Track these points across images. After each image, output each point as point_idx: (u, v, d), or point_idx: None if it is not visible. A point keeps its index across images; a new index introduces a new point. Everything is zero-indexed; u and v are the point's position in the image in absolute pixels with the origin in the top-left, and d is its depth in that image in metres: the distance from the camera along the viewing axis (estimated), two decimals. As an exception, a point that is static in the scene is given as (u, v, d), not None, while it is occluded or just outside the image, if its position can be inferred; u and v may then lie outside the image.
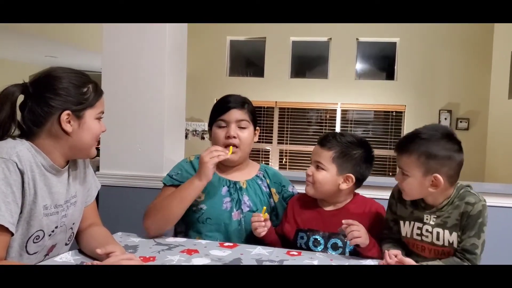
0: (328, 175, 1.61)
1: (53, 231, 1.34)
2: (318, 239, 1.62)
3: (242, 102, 1.78)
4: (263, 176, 1.85)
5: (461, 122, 6.86)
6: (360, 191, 2.39)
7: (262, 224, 1.59)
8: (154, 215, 1.68)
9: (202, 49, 7.11)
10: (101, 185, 2.40)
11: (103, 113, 1.40)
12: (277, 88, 7.46)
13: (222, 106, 1.77)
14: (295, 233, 1.67)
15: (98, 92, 1.37)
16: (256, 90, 7.49)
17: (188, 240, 1.67)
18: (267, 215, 1.61)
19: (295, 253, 1.53)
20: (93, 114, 1.35)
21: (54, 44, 5.72)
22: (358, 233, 1.47)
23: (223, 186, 1.77)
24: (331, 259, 1.49)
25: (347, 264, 1.44)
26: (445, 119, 6.91)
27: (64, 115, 1.28)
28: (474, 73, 6.80)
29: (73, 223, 1.45)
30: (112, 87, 2.41)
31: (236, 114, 1.75)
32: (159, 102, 2.38)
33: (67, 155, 1.36)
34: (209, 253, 1.50)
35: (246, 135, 1.76)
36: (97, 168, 2.45)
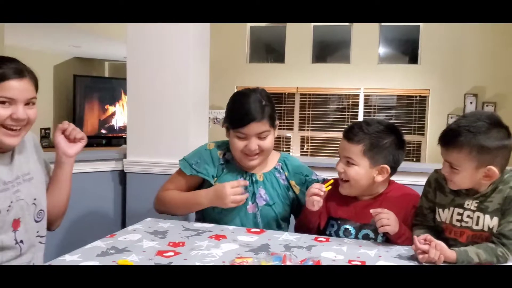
0: (362, 170, 1.56)
1: (9, 206, 1.36)
2: (349, 229, 1.61)
3: (261, 111, 1.68)
4: (282, 169, 1.82)
5: (487, 106, 6.72)
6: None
7: (320, 194, 1.54)
8: (162, 205, 1.81)
9: (222, 37, 7.08)
10: (128, 172, 2.45)
11: (10, 99, 1.33)
12: (298, 74, 7.41)
13: (241, 119, 1.68)
14: (327, 220, 1.66)
15: (6, 77, 1.31)
16: (277, 76, 7.46)
17: (216, 225, 1.69)
18: (329, 188, 1.58)
19: (323, 239, 1.53)
20: None
21: (78, 33, 5.78)
22: (387, 221, 1.45)
23: (239, 177, 1.77)
24: (360, 245, 1.49)
25: (375, 251, 1.44)
26: (471, 103, 6.77)
27: None
28: (500, 55, 6.63)
29: (35, 199, 1.47)
30: (137, 76, 2.44)
31: (256, 127, 1.67)
32: (184, 90, 2.39)
33: None
34: (237, 238, 1.51)
35: (268, 142, 1.72)
36: (124, 156, 2.48)
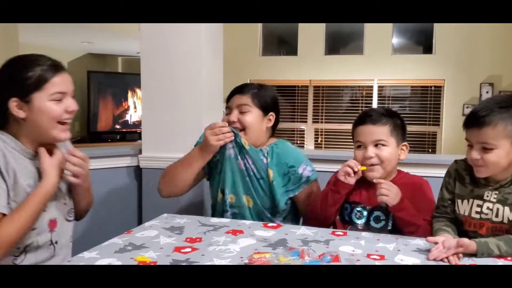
0: (392, 150, 1.61)
1: (46, 206, 1.38)
2: (361, 211, 1.64)
3: (247, 88, 1.82)
4: (267, 153, 1.82)
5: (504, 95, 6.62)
6: (403, 170, 2.36)
7: (355, 169, 1.59)
8: (163, 177, 1.88)
9: (234, 30, 7.05)
10: (144, 168, 2.46)
11: (62, 93, 1.37)
12: (311, 66, 7.36)
13: (229, 94, 1.86)
14: (343, 203, 1.68)
15: (49, 74, 1.35)
16: (290, 69, 7.42)
17: (232, 220, 1.69)
18: (363, 169, 1.61)
19: (341, 233, 1.52)
20: (44, 96, 1.34)
21: (91, 30, 5.80)
22: (386, 192, 1.50)
23: (230, 146, 1.79)
24: (378, 238, 1.47)
25: (394, 244, 1.42)
26: (487, 92, 6.66)
27: (12, 102, 1.32)
28: (517, 44, 6.51)
29: (65, 198, 1.49)
30: (151, 72, 2.44)
31: (237, 99, 1.82)
32: (198, 84, 2.39)
33: (34, 139, 1.39)
34: (254, 233, 1.51)
35: (248, 119, 1.79)
36: (139, 151, 2.49)
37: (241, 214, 1.81)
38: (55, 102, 1.36)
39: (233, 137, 1.75)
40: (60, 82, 1.37)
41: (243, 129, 1.80)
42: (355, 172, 1.59)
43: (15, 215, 1.29)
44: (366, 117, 1.63)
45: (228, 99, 1.86)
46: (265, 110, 1.83)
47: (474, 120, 1.38)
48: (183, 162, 1.85)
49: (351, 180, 1.60)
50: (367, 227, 1.62)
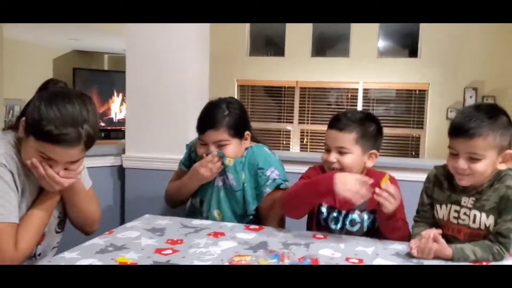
0: (356, 157, 1.59)
1: None
2: (337, 217, 1.64)
3: (220, 120, 1.73)
4: (244, 158, 1.82)
5: (487, 99, 6.71)
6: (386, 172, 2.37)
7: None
8: (166, 195, 1.96)
9: (222, 30, 7.04)
10: (127, 168, 2.45)
11: (50, 159, 1.29)
12: (298, 68, 7.39)
13: (200, 126, 1.77)
14: (318, 207, 1.68)
15: (54, 141, 1.26)
16: (277, 70, 7.44)
17: (214, 222, 1.70)
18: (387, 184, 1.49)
19: (321, 236, 1.54)
20: (34, 145, 1.28)
21: (77, 27, 5.75)
22: (389, 205, 1.45)
23: None
24: (358, 242, 1.49)
25: (373, 248, 1.45)
26: (470, 97, 6.76)
27: (22, 120, 1.31)
28: (500, 49, 6.61)
29: (60, 212, 1.50)
30: (136, 70, 2.43)
31: (212, 135, 1.73)
32: (183, 84, 2.39)
33: None
34: (235, 236, 1.52)
35: (228, 151, 1.75)
36: (122, 151, 2.48)
37: None
38: (42, 158, 1.30)
39: (222, 166, 1.76)
40: (57, 152, 1.29)
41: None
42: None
43: (29, 223, 1.33)
44: (334, 122, 1.61)
45: (200, 131, 1.76)
46: (241, 135, 1.80)
47: (463, 131, 1.37)
48: (180, 188, 1.89)
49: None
50: (343, 232, 1.63)
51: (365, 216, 1.63)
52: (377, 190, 1.45)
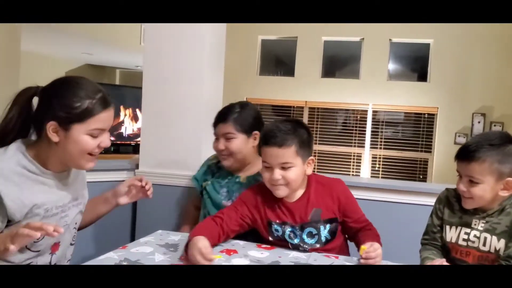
0: (299, 169, 1.59)
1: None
2: (294, 231, 1.63)
3: (229, 115, 1.91)
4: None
5: (495, 126, 6.72)
6: (392, 196, 2.40)
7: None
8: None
9: (233, 49, 7.15)
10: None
11: (101, 130, 1.37)
12: (307, 88, 7.45)
13: (214, 120, 1.96)
14: (267, 225, 1.66)
15: (97, 109, 1.34)
16: (286, 90, 7.49)
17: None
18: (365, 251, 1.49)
19: (334, 257, 1.55)
20: (82, 129, 1.32)
21: (91, 41, 5.86)
22: (380, 260, 1.45)
23: (225, 180, 1.98)
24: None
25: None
26: (479, 122, 6.77)
27: (50, 125, 1.31)
28: (509, 76, 6.64)
29: (76, 223, 1.52)
30: (152, 87, 2.47)
31: (221, 128, 1.92)
32: (198, 102, 2.42)
33: (62, 162, 1.39)
34: (248, 253, 1.53)
35: (233, 145, 1.89)
36: (136, 166, 2.51)
37: None
38: (92, 137, 1.35)
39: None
40: (104, 119, 1.37)
41: (230, 153, 1.91)
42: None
43: None
44: (270, 138, 1.57)
45: (214, 125, 1.96)
46: (248, 132, 1.92)
47: (464, 154, 1.45)
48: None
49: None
50: (303, 245, 1.62)
51: (322, 227, 1.62)
52: (362, 261, 1.44)
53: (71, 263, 1.56)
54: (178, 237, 1.69)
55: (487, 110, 6.78)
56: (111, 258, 1.42)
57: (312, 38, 7.39)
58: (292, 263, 1.46)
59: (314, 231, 1.62)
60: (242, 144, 1.91)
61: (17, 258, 1.33)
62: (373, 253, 1.43)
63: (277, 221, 1.64)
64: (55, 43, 6.12)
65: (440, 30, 6.78)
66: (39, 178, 1.35)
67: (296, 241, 1.62)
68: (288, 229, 1.63)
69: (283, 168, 1.57)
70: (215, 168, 2.06)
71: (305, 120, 7.59)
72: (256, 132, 1.92)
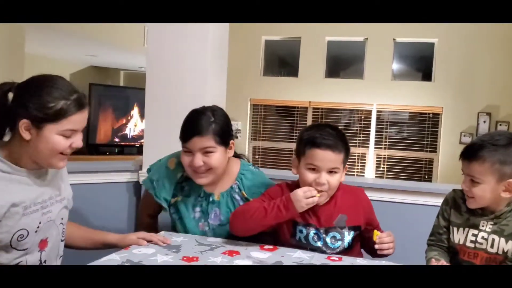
0: (340, 176, 1.62)
1: (38, 227, 1.38)
2: (318, 234, 1.63)
3: (206, 127, 1.66)
4: (238, 188, 1.79)
5: (500, 125, 6.68)
6: (397, 196, 2.38)
7: (315, 200, 1.54)
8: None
9: (237, 49, 7.14)
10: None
11: (74, 131, 1.36)
12: (311, 88, 7.43)
13: (186, 132, 1.69)
14: (292, 226, 1.66)
15: (71, 111, 1.33)
16: (290, 90, 7.48)
17: (229, 240, 1.70)
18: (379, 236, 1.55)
19: (336, 258, 1.54)
20: (54, 129, 1.31)
21: (95, 43, 5.87)
22: (389, 245, 1.52)
23: (198, 198, 1.80)
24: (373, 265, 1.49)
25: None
26: (484, 122, 6.73)
27: (22, 123, 1.30)
28: (515, 75, 6.61)
29: (62, 218, 1.50)
30: (156, 88, 2.47)
31: (198, 142, 1.65)
32: (201, 103, 2.33)
33: (33, 160, 1.37)
34: (250, 255, 1.52)
35: (213, 159, 1.66)
36: (139, 167, 2.51)
37: None
38: (64, 137, 1.35)
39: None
40: (77, 120, 1.36)
41: (209, 169, 1.68)
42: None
43: None
44: (323, 141, 1.57)
45: (185, 139, 1.68)
46: (226, 143, 1.72)
47: (467, 153, 1.45)
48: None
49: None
50: (326, 249, 1.63)
51: (346, 233, 1.64)
52: (376, 246, 1.51)
53: (70, 257, 1.57)
54: (181, 238, 1.69)
55: (492, 110, 6.74)
56: (113, 259, 1.42)
57: (315, 38, 7.37)
58: (295, 263, 1.45)
59: (339, 236, 1.63)
60: (222, 157, 1.69)
61: (5, 258, 1.33)
62: (386, 238, 1.49)
63: (303, 222, 1.65)
64: (59, 45, 6.14)
65: (445, 29, 6.75)
66: (13, 176, 1.34)
67: (319, 244, 1.63)
68: (312, 231, 1.64)
69: (329, 173, 1.58)
70: (182, 181, 1.82)
71: (309, 120, 7.58)
72: (233, 141, 1.75)
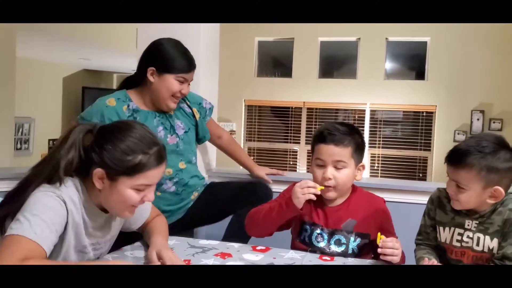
0: (350, 171, 1.58)
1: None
2: (322, 234, 1.62)
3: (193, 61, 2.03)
4: (182, 99, 2.09)
5: (494, 122, 6.72)
6: (391, 196, 2.38)
7: (317, 192, 1.49)
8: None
9: (231, 51, 7.14)
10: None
11: (148, 185, 1.32)
12: (305, 89, 7.45)
13: (189, 65, 2.01)
14: (300, 224, 1.66)
15: (149, 166, 1.28)
16: (284, 91, 7.50)
17: (220, 243, 1.70)
18: (322, 188, 1.52)
19: (328, 258, 1.54)
20: (128, 183, 1.28)
21: (88, 46, 5.86)
22: (396, 258, 1.42)
23: (154, 118, 2.01)
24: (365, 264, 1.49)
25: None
26: (478, 119, 6.77)
27: (96, 172, 1.27)
28: (507, 72, 6.63)
29: (101, 253, 1.49)
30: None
31: (193, 75, 2.04)
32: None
33: (104, 205, 1.36)
34: (242, 257, 1.52)
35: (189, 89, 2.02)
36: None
37: (180, 179, 2.05)
38: (137, 191, 1.31)
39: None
40: (153, 176, 1.31)
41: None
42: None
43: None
44: (328, 136, 1.56)
45: (185, 69, 1.98)
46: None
47: (453, 159, 1.42)
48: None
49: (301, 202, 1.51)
50: (328, 251, 1.60)
51: (351, 238, 1.60)
52: (379, 250, 1.42)
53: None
54: (173, 241, 1.68)
55: (486, 107, 6.77)
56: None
57: (308, 39, 7.39)
58: (287, 264, 1.45)
59: (343, 240, 1.60)
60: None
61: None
62: (389, 242, 1.40)
63: (310, 221, 1.64)
64: (51, 49, 6.13)
65: (437, 28, 6.77)
66: (91, 215, 1.36)
67: (321, 244, 1.60)
68: (316, 231, 1.62)
69: (336, 168, 1.56)
70: (130, 114, 1.96)
71: (304, 120, 7.59)
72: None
